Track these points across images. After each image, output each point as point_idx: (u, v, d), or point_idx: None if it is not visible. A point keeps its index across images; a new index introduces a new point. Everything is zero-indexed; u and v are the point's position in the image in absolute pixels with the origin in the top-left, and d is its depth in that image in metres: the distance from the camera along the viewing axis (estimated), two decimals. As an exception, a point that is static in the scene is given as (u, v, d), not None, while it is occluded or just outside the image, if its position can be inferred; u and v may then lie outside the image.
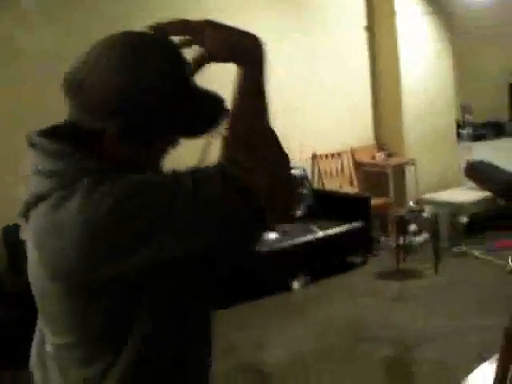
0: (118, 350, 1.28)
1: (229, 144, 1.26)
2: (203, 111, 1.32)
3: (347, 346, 4.13)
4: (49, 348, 1.38)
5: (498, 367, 2.06)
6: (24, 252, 1.38)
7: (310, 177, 6.33)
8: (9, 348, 3.81)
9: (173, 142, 1.35)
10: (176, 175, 1.23)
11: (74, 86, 1.25)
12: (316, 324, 4.56)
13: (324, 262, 5.60)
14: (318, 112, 6.49)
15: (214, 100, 1.33)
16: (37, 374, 1.43)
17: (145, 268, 1.19)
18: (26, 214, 1.29)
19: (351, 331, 4.35)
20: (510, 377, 2.18)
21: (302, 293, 5.30)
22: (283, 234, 5.52)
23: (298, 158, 6.20)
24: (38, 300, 1.36)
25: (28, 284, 1.39)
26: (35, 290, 1.35)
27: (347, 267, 5.72)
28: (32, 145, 1.30)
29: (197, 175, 1.20)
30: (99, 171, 1.22)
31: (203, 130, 1.32)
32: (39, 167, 1.27)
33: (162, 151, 1.37)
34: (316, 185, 6.45)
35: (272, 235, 5.48)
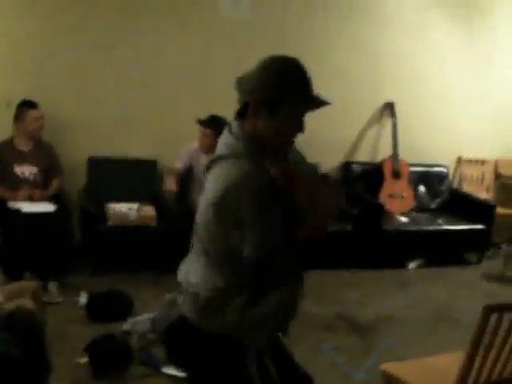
0: (237, 265, 2.10)
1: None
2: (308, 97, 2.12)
3: (430, 322, 5.08)
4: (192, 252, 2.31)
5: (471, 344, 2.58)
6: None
7: (451, 177, 7.19)
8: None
9: (290, 117, 2.08)
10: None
11: (238, 82, 2.15)
12: (413, 299, 5.52)
13: (441, 252, 6.44)
14: (472, 119, 7.20)
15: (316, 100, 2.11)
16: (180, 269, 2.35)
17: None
18: (209, 166, 2.19)
19: (439, 312, 5.27)
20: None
21: (415, 273, 6.24)
22: (412, 220, 6.50)
23: (444, 158, 7.09)
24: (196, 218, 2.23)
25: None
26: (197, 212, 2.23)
27: (461, 262, 6.54)
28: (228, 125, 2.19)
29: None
30: (245, 156, 2.07)
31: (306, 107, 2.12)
32: (226, 139, 2.17)
33: (286, 125, 2.10)
34: (455, 185, 7.28)
35: (403, 219, 6.49)
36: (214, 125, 5.18)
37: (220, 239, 2.12)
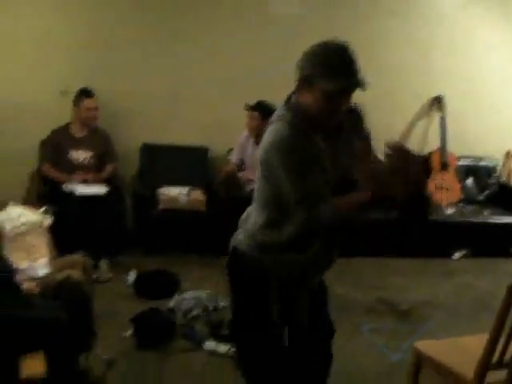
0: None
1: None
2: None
3: (472, 309, 5.12)
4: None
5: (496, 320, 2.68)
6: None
7: (499, 170, 7.18)
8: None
9: (324, 93, 2.27)
10: None
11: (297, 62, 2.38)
12: (456, 287, 5.57)
13: (487, 244, 6.41)
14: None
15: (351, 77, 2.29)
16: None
17: None
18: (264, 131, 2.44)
19: (481, 301, 5.29)
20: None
21: (459, 263, 6.27)
22: (458, 211, 6.54)
23: (493, 152, 7.10)
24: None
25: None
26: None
27: (506, 254, 6.48)
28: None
29: None
30: (289, 122, 2.33)
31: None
32: (280, 109, 2.43)
33: (322, 101, 2.30)
34: (504, 179, 7.26)
35: (450, 211, 6.53)
36: (260, 108, 5.39)
37: (269, 189, 2.41)
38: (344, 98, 2.34)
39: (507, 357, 2.79)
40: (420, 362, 3.16)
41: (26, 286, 2.89)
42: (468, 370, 2.83)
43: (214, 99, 6.24)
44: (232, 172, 5.81)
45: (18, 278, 3.06)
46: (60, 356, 2.78)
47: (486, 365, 2.77)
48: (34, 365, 2.62)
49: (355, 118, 2.54)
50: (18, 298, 2.78)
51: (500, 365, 2.79)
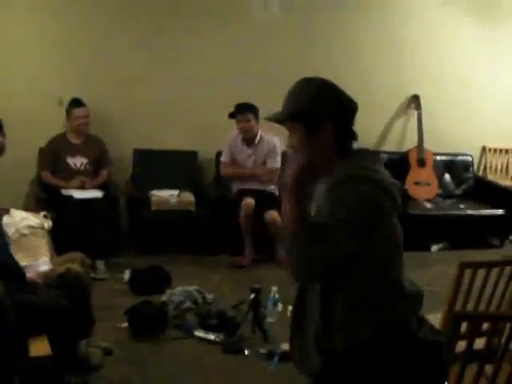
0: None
1: None
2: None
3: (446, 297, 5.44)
4: None
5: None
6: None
7: (475, 165, 7.55)
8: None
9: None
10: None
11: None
12: (433, 277, 5.89)
13: (465, 236, 6.74)
14: (496, 109, 7.51)
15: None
16: None
17: None
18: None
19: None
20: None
21: (438, 255, 6.59)
22: (436, 205, 6.88)
23: (469, 148, 7.46)
24: None
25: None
26: None
27: (484, 246, 6.80)
28: None
29: None
30: None
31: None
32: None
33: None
34: (480, 174, 7.61)
35: (428, 205, 6.87)
36: (251, 109, 5.78)
37: None
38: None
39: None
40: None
41: (29, 276, 3.21)
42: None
43: (201, 104, 6.57)
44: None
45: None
46: (62, 340, 3.11)
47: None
48: (39, 347, 2.96)
49: None
50: (24, 286, 3.11)
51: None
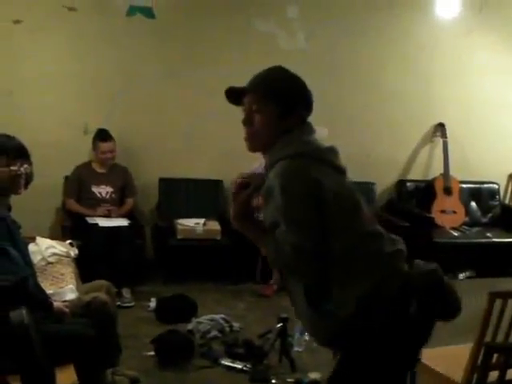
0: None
1: None
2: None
3: (469, 325, 5.36)
4: None
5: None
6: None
7: (502, 193, 7.49)
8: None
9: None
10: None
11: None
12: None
13: (492, 264, 6.67)
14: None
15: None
16: None
17: None
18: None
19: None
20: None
21: (464, 283, 6.50)
22: (462, 233, 6.83)
23: (495, 175, 7.42)
24: None
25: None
26: None
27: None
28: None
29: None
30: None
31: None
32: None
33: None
34: (507, 201, 7.56)
35: (454, 233, 6.82)
36: None
37: None
38: None
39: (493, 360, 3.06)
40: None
41: (56, 305, 3.22)
42: (457, 373, 3.10)
43: (226, 133, 6.57)
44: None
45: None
46: (88, 369, 3.10)
47: (473, 366, 3.03)
48: (66, 376, 2.96)
49: None
50: (51, 315, 3.12)
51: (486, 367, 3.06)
